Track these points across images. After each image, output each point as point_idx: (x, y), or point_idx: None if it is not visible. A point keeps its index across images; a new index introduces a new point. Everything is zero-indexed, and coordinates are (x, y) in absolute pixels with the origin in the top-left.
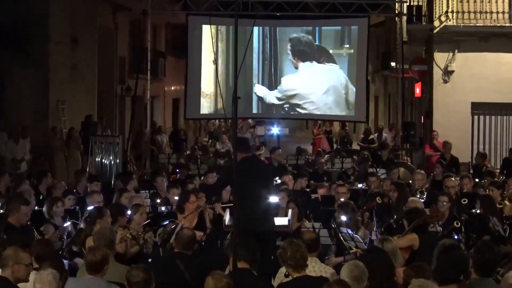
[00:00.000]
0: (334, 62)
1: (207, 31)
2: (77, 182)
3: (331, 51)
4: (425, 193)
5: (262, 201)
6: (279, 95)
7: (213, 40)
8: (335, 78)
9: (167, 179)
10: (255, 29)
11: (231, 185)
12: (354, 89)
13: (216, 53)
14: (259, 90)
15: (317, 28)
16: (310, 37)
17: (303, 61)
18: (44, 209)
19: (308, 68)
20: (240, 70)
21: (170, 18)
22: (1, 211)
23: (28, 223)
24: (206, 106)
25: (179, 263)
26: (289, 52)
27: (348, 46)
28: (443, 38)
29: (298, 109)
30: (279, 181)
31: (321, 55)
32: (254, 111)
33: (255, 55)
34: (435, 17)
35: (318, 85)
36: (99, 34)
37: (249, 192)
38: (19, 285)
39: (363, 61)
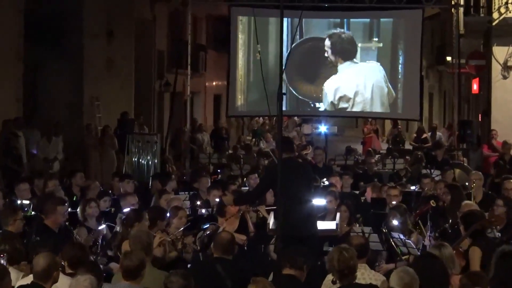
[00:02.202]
0: (373, 59)
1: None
2: (113, 183)
3: (359, 45)
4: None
5: (303, 204)
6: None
7: (256, 33)
8: (377, 76)
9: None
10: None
11: (273, 188)
12: (390, 85)
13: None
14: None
15: (345, 20)
16: (350, 33)
17: (345, 60)
18: (78, 210)
19: (349, 68)
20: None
21: (212, 9)
22: (33, 212)
23: (67, 223)
24: None
25: (219, 268)
26: (328, 49)
27: (377, 39)
28: (503, 31)
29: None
30: (326, 182)
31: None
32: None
33: (284, 49)
34: (494, 9)
35: (361, 85)
36: (136, 27)
37: (290, 195)
38: None
39: (416, 55)
